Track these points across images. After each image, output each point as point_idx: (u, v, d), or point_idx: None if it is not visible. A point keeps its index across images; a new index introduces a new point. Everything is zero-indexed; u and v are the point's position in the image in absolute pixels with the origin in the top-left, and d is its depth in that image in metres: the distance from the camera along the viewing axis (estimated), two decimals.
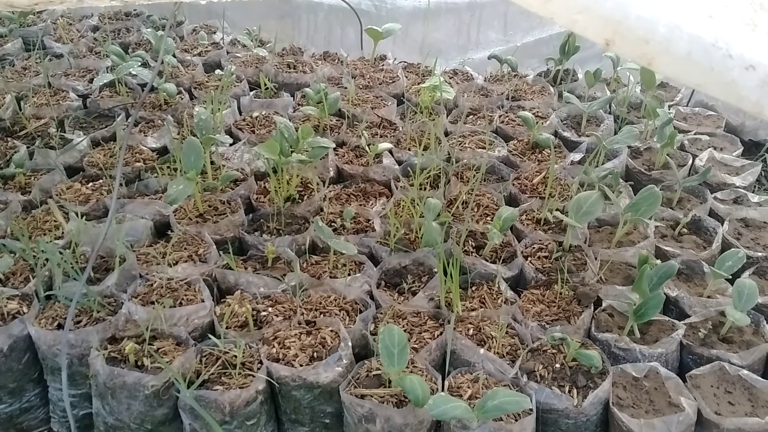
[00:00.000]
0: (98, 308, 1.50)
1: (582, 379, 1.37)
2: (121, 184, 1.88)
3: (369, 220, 1.83)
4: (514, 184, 1.98)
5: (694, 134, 2.27)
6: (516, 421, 1.29)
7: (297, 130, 1.84)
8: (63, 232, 1.73)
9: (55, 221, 1.76)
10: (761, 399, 1.38)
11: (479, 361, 1.43)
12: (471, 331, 1.49)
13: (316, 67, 2.62)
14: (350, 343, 1.43)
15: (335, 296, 1.60)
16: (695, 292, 1.65)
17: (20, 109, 2.26)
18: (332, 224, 1.80)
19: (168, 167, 2.00)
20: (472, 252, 1.73)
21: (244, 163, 2.05)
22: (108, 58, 2.52)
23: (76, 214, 1.75)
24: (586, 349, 1.40)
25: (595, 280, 1.64)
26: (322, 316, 1.53)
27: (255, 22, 2.92)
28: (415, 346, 1.46)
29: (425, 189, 1.93)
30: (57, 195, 1.87)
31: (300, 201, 1.90)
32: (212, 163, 1.96)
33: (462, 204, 1.88)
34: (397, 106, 2.42)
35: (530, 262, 1.70)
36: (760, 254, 1.75)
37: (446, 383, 1.38)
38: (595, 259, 1.70)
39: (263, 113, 2.31)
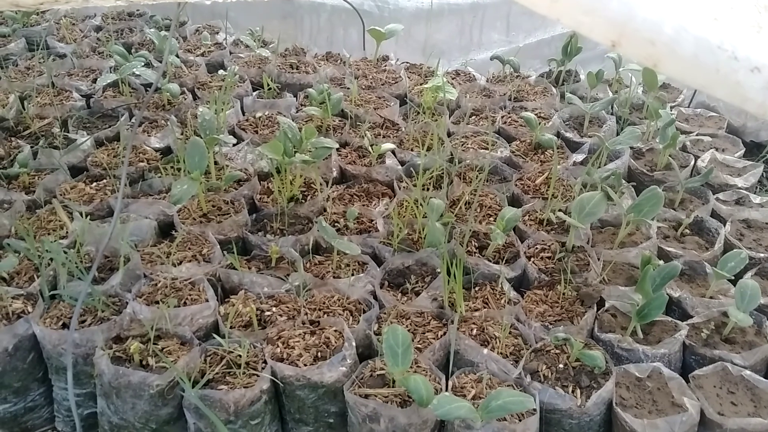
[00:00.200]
0: (103, 308, 1.50)
1: (585, 380, 1.38)
2: (125, 184, 1.88)
3: (372, 221, 1.84)
4: (516, 185, 1.99)
5: (696, 135, 2.27)
6: (519, 421, 1.30)
7: (300, 131, 1.85)
8: (67, 232, 1.73)
9: (59, 221, 1.76)
10: (764, 399, 1.38)
11: (483, 361, 1.44)
12: (474, 332, 1.50)
13: (318, 68, 2.62)
14: (354, 343, 1.44)
15: (339, 296, 1.60)
16: (698, 293, 1.65)
17: (24, 109, 2.26)
18: (335, 224, 1.81)
19: (172, 167, 2.00)
20: (475, 252, 1.73)
21: (248, 163, 2.05)
22: (111, 58, 2.53)
23: (81, 214, 1.75)
24: (589, 350, 1.40)
25: (598, 281, 1.64)
26: (325, 316, 1.53)
27: (258, 23, 2.93)
28: (419, 346, 1.46)
29: (428, 189, 1.93)
30: (61, 195, 1.88)
31: (303, 201, 1.90)
32: (216, 163, 1.97)
33: (465, 204, 1.88)
34: (400, 106, 2.42)
35: (533, 262, 1.71)
36: (762, 255, 1.75)
37: (450, 383, 1.38)
38: (598, 259, 1.70)
39: (266, 113, 2.32)
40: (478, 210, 1.88)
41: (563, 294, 1.59)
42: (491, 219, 1.84)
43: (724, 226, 1.84)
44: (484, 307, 1.57)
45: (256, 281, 1.62)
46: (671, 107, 2.46)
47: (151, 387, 1.34)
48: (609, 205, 1.75)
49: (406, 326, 1.51)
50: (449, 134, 2.25)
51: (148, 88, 2.45)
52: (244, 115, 2.36)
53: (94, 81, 2.47)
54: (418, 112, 2.30)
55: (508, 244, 1.75)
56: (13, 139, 2.13)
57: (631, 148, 2.16)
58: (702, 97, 2.58)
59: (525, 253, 1.73)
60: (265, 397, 1.38)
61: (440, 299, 1.58)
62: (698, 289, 1.67)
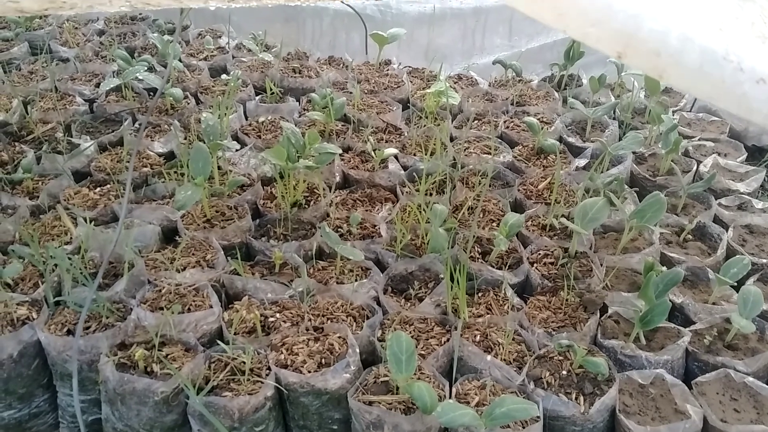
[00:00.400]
0: (107, 314, 1.50)
1: (589, 386, 1.38)
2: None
3: (375, 226, 1.84)
4: (519, 190, 1.99)
5: (699, 140, 2.27)
6: (523, 428, 1.30)
7: (303, 136, 1.85)
8: (71, 238, 1.73)
9: (63, 226, 1.77)
10: (766, 406, 1.38)
11: (486, 368, 1.44)
12: (478, 338, 1.50)
13: (321, 72, 2.63)
14: (358, 350, 1.44)
15: (342, 302, 1.60)
16: (700, 299, 1.65)
17: (27, 114, 2.26)
18: (339, 230, 1.81)
19: (175, 172, 2.00)
20: (478, 258, 1.73)
21: (251, 168, 2.06)
22: (114, 62, 2.53)
23: (85, 220, 1.75)
24: (592, 356, 1.40)
25: (601, 287, 1.64)
26: (329, 322, 1.54)
27: (260, 27, 2.93)
28: (423, 352, 1.46)
29: (431, 195, 1.94)
30: (65, 200, 1.88)
31: (306, 206, 1.90)
32: (219, 168, 1.97)
33: (468, 210, 1.88)
34: (402, 111, 2.42)
35: (536, 268, 1.71)
36: (764, 261, 1.75)
37: (454, 390, 1.39)
38: (601, 265, 1.70)
39: (269, 118, 2.32)
40: (481, 215, 1.88)
41: (566, 300, 1.60)
42: (494, 224, 1.84)
43: (727, 231, 1.84)
44: (488, 313, 1.58)
45: (259, 287, 1.63)
46: (673, 111, 2.46)
47: (156, 394, 1.34)
48: (611, 211, 1.75)
49: (410, 332, 1.51)
50: (452, 139, 2.25)
51: (150, 93, 2.46)
52: (247, 119, 2.36)
53: (97, 85, 2.47)
54: (421, 117, 2.31)
55: (511, 250, 1.75)
56: (16, 144, 2.13)
57: (634, 152, 2.17)
58: (704, 102, 2.58)
59: (528, 258, 1.73)
60: (269, 404, 1.38)
61: (443, 305, 1.59)
62: (701, 295, 1.68)
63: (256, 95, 2.48)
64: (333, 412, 1.41)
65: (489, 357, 1.44)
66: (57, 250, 1.56)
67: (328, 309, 1.58)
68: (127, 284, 1.59)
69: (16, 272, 1.57)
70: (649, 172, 2.12)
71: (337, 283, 1.65)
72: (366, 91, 2.51)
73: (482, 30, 3.16)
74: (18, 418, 1.51)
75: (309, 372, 1.39)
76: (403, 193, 1.96)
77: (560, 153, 2.12)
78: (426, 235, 1.76)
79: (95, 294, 1.47)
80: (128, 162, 2.00)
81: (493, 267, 1.70)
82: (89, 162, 2.06)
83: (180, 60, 2.64)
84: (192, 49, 2.82)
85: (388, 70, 2.72)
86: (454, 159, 2.08)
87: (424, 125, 2.25)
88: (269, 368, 1.41)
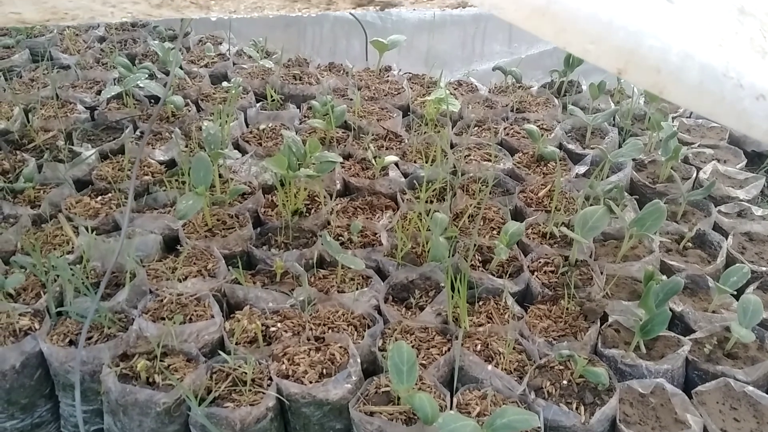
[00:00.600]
0: (109, 324, 1.51)
1: (589, 396, 1.38)
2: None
3: (376, 234, 1.84)
4: (519, 198, 1.99)
5: (698, 147, 2.28)
6: None
7: (304, 143, 1.85)
8: (73, 247, 1.74)
9: (65, 236, 1.77)
10: (766, 415, 1.39)
11: (487, 378, 1.44)
12: (479, 347, 1.50)
13: (321, 79, 2.63)
14: (359, 360, 1.44)
15: (343, 311, 1.60)
16: (700, 307, 1.66)
17: (28, 122, 2.27)
18: (339, 238, 1.81)
19: (176, 180, 2.00)
20: (478, 266, 1.74)
21: (252, 176, 2.06)
22: (115, 70, 2.54)
23: (86, 229, 1.76)
24: (593, 366, 1.41)
25: (602, 295, 1.65)
26: (330, 331, 1.54)
27: (261, 33, 2.94)
28: (424, 362, 1.47)
29: (431, 202, 1.94)
30: (66, 209, 1.88)
31: (307, 214, 1.91)
32: (220, 176, 1.97)
33: (468, 218, 1.89)
34: (403, 117, 2.43)
35: (537, 276, 1.71)
36: (764, 269, 1.76)
37: (455, 400, 1.39)
38: (601, 273, 1.71)
39: (270, 125, 2.32)
40: (482, 223, 1.88)
41: (567, 309, 1.60)
42: (495, 232, 1.85)
43: (726, 239, 1.84)
44: (488, 322, 1.58)
45: (261, 296, 1.63)
46: (672, 118, 2.47)
47: (158, 405, 1.35)
48: (611, 218, 1.76)
49: (411, 342, 1.51)
50: (452, 146, 2.26)
51: (152, 100, 2.46)
52: (247, 126, 2.36)
53: (98, 93, 2.47)
54: (421, 124, 2.31)
55: (511, 258, 1.76)
56: (18, 152, 2.13)
57: (634, 159, 2.17)
58: None
59: (528, 267, 1.74)
60: (270, 415, 1.38)
61: (444, 314, 1.59)
62: (701, 303, 1.68)
63: (257, 102, 2.49)
64: (334, 422, 1.42)
65: (490, 367, 1.45)
66: (59, 260, 1.56)
67: (329, 318, 1.58)
68: (129, 294, 1.59)
69: (18, 282, 1.57)
70: (649, 179, 2.12)
71: (338, 292, 1.65)
72: (366, 98, 2.51)
73: (482, 36, 3.17)
74: (20, 428, 1.52)
75: (310, 382, 1.39)
76: (403, 201, 1.96)
77: (560, 160, 2.12)
78: (427, 244, 1.76)
79: (97, 304, 1.48)
80: (130, 170, 2.00)
81: (494, 275, 1.70)
82: (90, 170, 2.07)
83: (181, 67, 2.65)
84: (193, 56, 2.82)
85: (388, 76, 2.73)
86: (455, 166, 2.08)
87: (425, 132, 2.26)
88: (271, 379, 1.41)
